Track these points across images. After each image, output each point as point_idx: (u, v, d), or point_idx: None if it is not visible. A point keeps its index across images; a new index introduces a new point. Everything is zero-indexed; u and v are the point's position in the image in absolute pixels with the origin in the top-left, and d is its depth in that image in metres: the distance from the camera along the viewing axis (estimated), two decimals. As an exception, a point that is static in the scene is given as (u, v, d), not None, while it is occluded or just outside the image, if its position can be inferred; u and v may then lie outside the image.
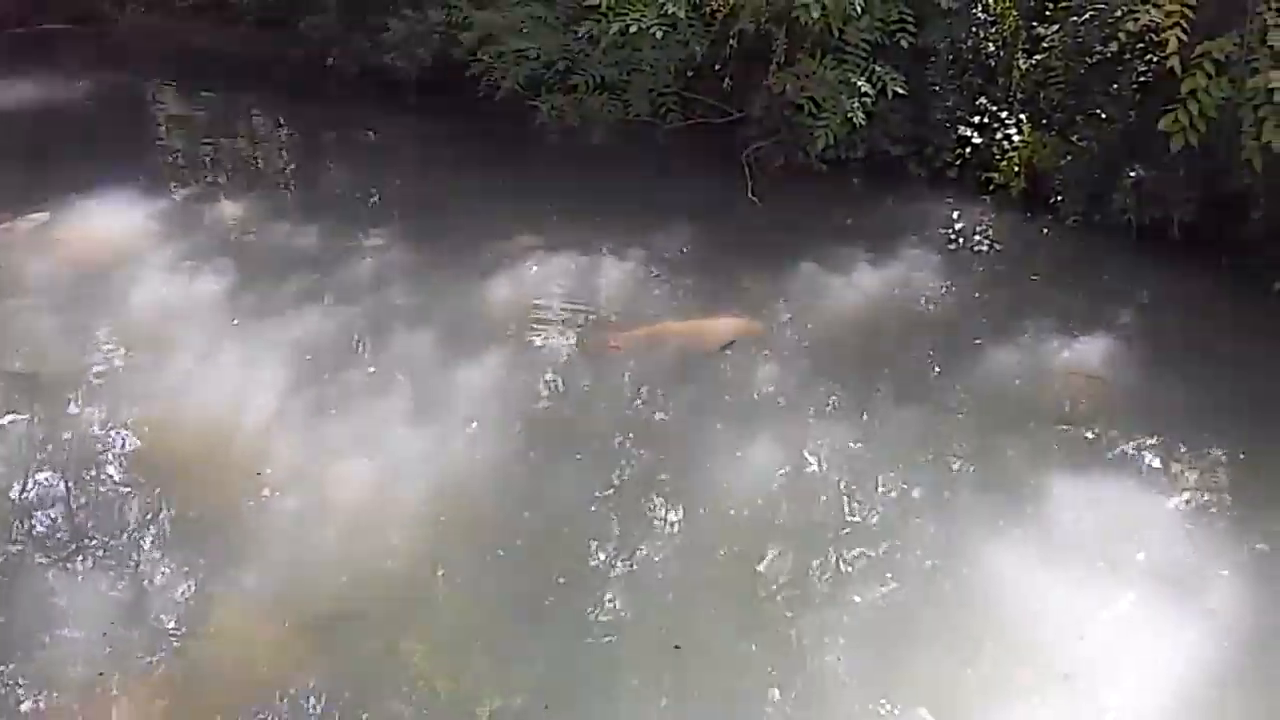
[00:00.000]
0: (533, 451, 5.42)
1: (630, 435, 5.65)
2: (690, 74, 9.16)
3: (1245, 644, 4.30)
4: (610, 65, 8.83)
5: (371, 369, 6.12)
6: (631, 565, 4.66)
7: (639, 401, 5.99)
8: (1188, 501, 5.27)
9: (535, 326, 6.77)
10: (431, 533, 4.75)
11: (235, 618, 4.28)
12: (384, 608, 4.36)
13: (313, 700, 3.93)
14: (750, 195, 8.66)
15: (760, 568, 4.67)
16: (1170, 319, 7.12)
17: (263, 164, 10.42)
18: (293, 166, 10.37)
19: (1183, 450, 5.71)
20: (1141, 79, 7.61)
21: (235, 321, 6.47)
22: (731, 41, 8.35)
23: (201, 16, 13.03)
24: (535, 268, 7.45)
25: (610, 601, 4.46)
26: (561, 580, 4.52)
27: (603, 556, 4.71)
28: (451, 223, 8.30)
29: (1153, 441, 5.75)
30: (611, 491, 5.15)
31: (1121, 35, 7.47)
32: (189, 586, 4.46)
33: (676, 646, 4.17)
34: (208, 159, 10.23)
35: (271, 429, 5.43)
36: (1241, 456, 5.63)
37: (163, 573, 4.55)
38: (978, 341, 6.70)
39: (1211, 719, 4.00)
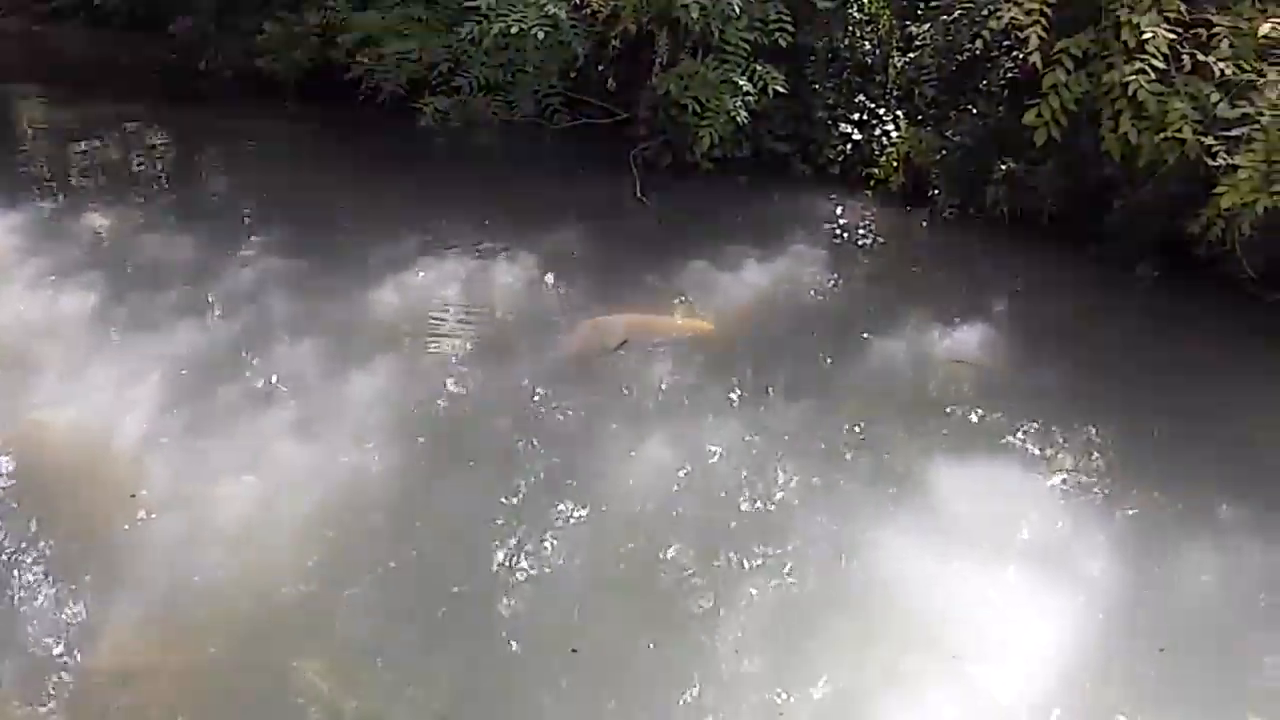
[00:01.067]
0: (425, 460, 5.32)
1: (525, 439, 5.60)
2: (575, 75, 9.15)
3: (1118, 612, 4.49)
4: (494, 66, 8.75)
5: (254, 383, 5.92)
6: (528, 571, 4.61)
7: (533, 405, 5.93)
8: (1064, 480, 5.48)
9: (425, 333, 6.65)
10: (321, 550, 4.61)
11: (113, 648, 4.08)
12: (272, 630, 4.21)
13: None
14: (639, 195, 8.70)
15: (657, 565, 4.67)
16: (1043, 305, 7.40)
17: (134, 172, 9.98)
18: (166, 174, 9.96)
19: (1058, 431, 5.92)
20: (1008, 75, 7.91)
21: (113, 337, 6.18)
22: (614, 42, 8.36)
23: (66, 20, 12.43)
24: (424, 273, 7.33)
25: (506, 609, 4.40)
26: (456, 590, 4.45)
27: (499, 564, 4.63)
28: (335, 229, 8.10)
29: (1030, 424, 5.96)
30: (507, 497, 5.09)
31: (986, 34, 7.74)
32: (62, 616, 4.23)
33: (574, 650, 4.14)
34: (74, 168, 9.76)
35: (147, 449, 5.21)
36: (1112, 434, 5.88)
37: (34, 602, 4.31)
38: (865, 335, 6.85)
39: (1090, 684, 4.14)
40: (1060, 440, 5.86)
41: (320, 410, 5.60)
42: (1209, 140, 5.72)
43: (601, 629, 4.30)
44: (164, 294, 6.85)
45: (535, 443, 5.56)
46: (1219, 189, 5.70)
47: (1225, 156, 5.61)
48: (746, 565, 4.73)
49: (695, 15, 7.53)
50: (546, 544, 4.76)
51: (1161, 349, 6.77)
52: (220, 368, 5.99)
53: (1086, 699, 4.07)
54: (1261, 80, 5.60)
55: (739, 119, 8.11)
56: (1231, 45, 5.79)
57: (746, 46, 8.20)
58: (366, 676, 4.04)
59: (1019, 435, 5.89)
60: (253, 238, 7.90)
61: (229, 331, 6.44)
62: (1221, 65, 5.76)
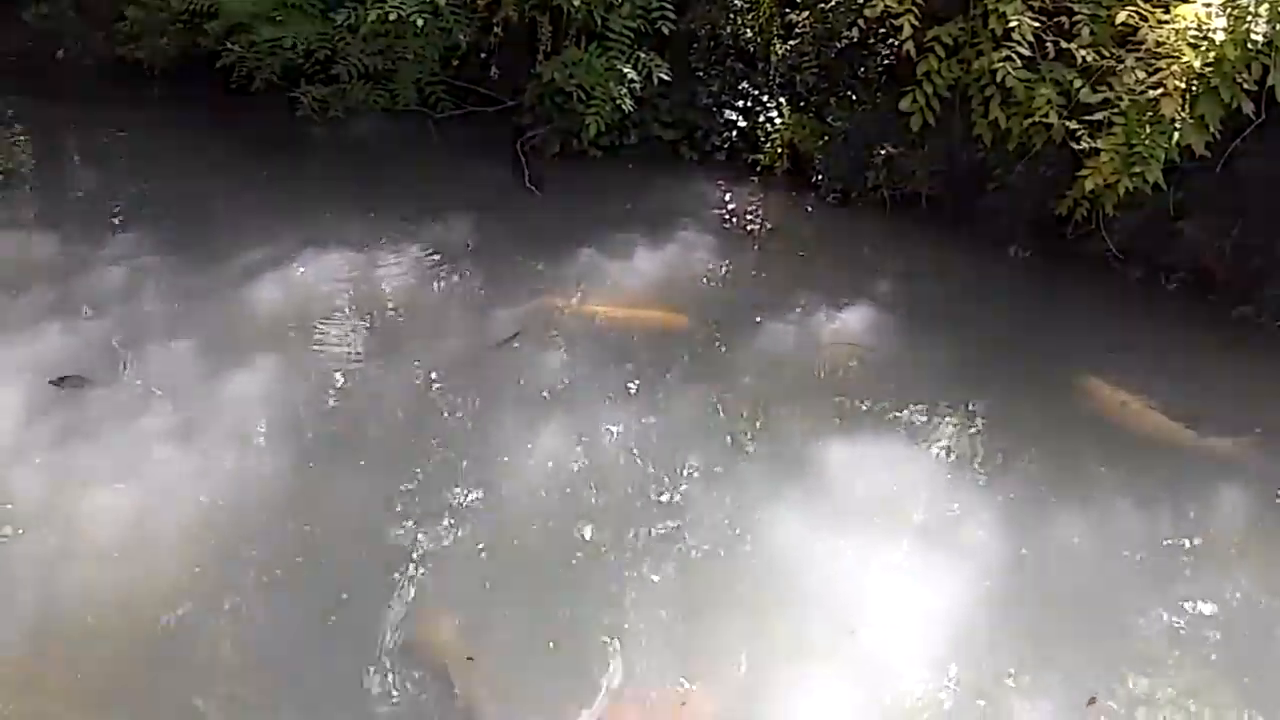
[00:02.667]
0: (312, 462, 5.17)
1: (417, 435, 5.49)
2: (458, 62, 8.99)
3: (1003, 579, 4.68)
4: (373, 54, 8.52)
5: (126, 388, 5.65)
6: (421, 571, 4.52)
7: (427, 400, 5.82)
8: (950, 456, 5.65)
9: (311, 330, 6.45)
10: (201, 560, 4.43)
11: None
12: (148, 647, 4.04)
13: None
14: (528, 184, 8.61)
15: (555, 560, 4.64)
16: (924, 286, 7.60)
17: (-13, 168, 9.40)
18: (25, 169, 9.35)
19: (943, 409, 6.09)
20: (885, 62, 8.09)
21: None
22: (496, 29, 8.24)
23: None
24: (306, 268, 7.10)
25: (399, 614, 4.31)
26: (346, 596, 4.33)
27: (390, 566, 4.53)
28: (210, 225, 7.77)
29: (916, 403, 6.12)
30: (398, 496, 4.98)
31: (862, 22, 7.90)
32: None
33: (470, 658, 4.08)
34: (-82, 165, 9.13)
35: (11, 461, 4.92)
36: (994, 410, 6.09)
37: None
38: (757, 320, 6.93)
39: (978, 649, 4.30)
40: (945, 417, 6.03)
41: (199, 413, 5.38)
42: (1073, 124, 5.97)
43: (499, 629, 4.26)
44: (27, 296, 6.47)
45: (429, 438, 5.46)
46: (1083, 171, 5.95)
47: (1088, 140, 5.86)
48: (645, 553, 4.75)
49: (577, 3, 7.48)
50: (442, 543, 4.68)
51: (1034, 326, 7.04)
52: (88, 372, 5.69)
53: (976, 663, 4.22)
54: (1120, 66, 5.87)
55: (625, 106, 8.09)
56: (1092, 33, 6.05)
57: (630, 34, 8.18)
58: (253, 690, 3.91)
59: (906, 413, 6.05)
60: (122, 235, 7.52)
61: (98, 334, 6.12)
62: (1083, 52, 6.02)
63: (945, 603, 4.49)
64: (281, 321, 6.48)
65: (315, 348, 6.28)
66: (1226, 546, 5.02)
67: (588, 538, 4.81)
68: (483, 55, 8.91)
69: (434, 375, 6.00)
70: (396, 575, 4.49)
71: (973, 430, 5.96)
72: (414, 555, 4.58)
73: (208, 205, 8.12)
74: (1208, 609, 4.66)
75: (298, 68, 8.80)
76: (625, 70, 8.08)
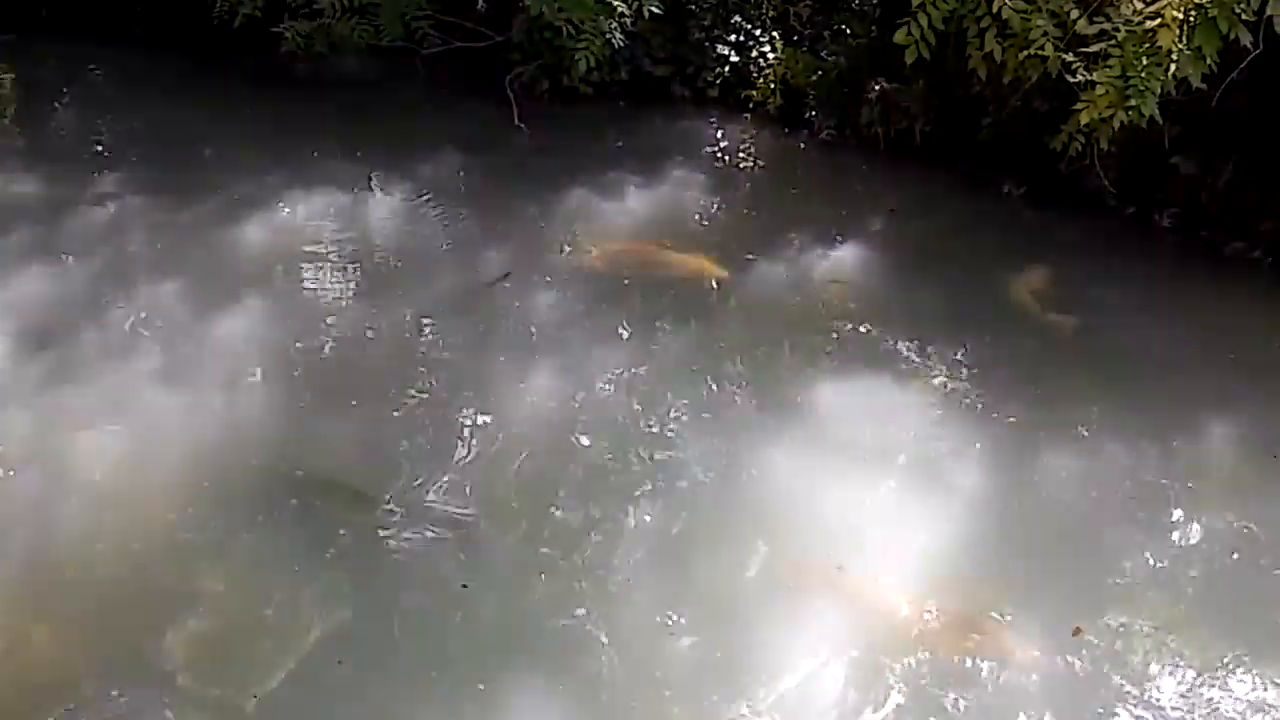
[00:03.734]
0: (303, 403, 5.16)
1: (408, 375, 5.47)
2: (441, -4, 8.83)
3: (991, 516, 4.72)
4: (357, -13, 8.35)
5: (115, 328, 5.61)
6: (416, 508, 4.53)
7: (418, 340, 5.80)
8: (939, 393, 5.67)
9: (299, 269, 6.41)
10: (194, 501, 4.44)
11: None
12: (143, 588, 4.06)
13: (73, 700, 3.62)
14: (517, 121, 8.50)
15: (548, 496, 4.66)
16: (917, 223, 7.57)
17: (-33, 107, 9.23)
18: (8, 107, 9.23)
19: (934, 346, 6.09)
20: (880, -5, 7.96)
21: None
22: (485, -39, 8.08)
23: None
24: (292, 208, 7.03)
25: (395, 549, 4.33)
26: (343, 533, 4.36)
27: (386, 502, 4.54)
28: (195, 164, 7.68)
29: (907, 340, 6.12)
30: (392, 435, 4.98)
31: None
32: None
33: (464, 586, 4.13)
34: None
35: (1, 402, 4.90)
36: (984, 347, 6.08)
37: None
38: (750, 257, 6.88)
39: (965, 584, 4.34)
40: (936, 354, 6.03)
41: (189, 354, 5.37)
42: (1069, 57, 5.89)
43: (493, 563, 4.29)
44: (11, 236, 6.41)
45: (420, 378, 5.45)
46: (1078, 105, 5.89)
47: (1084, 73, 5.79)
48: (636, 491, 4.77)
49: (566, -67, 7.32)
50: (436, 480, 4.69)
51: (1028, 263, 7.01)
52: (76, 313, 5.67)
53: (962, 598, 4.27)
54: (1118, -4, 5.79)
55: (615, 41, 7.96)
56: (1090, -38, 5.95)
57: (621, -35, 8.02)
58: (251, 630, 3.94)
59: (896, 350, 6.05)
60: (106, 174, 7.43)
61: (86, 274, 6.09)
62: (1080, -18, 5.92)
63: (932, 539, 4.53)
64: (269, 262, 6.43)
65: (303, 288, 6.24)
66: (1213, 482, 5.06)
67: (579, 475, 4.83)
68: (470, -12, 8.72)
69: (424, 315, 5.97)
70: (389, 511, 4.50)
71: (962, 367, 5.96)
72: (407, 495, 4.60)
73: (191, 145, 8.01)
74: (1194, 536, 4.72)
75: (280, 2, 8.62)
76: (615, 4, 7.92)
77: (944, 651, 4.01)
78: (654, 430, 5.18)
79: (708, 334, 6.11)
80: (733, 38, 8.99)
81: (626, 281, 6.61)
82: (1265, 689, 3.96)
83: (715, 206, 7.83)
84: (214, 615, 3.97)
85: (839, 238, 7.14)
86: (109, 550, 4.17)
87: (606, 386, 5.43)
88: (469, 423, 5.08)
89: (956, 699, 3.82)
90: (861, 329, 6.24)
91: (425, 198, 7.38)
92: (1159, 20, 5.41)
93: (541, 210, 7.34)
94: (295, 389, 5.25)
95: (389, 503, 4.54)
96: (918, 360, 5.98)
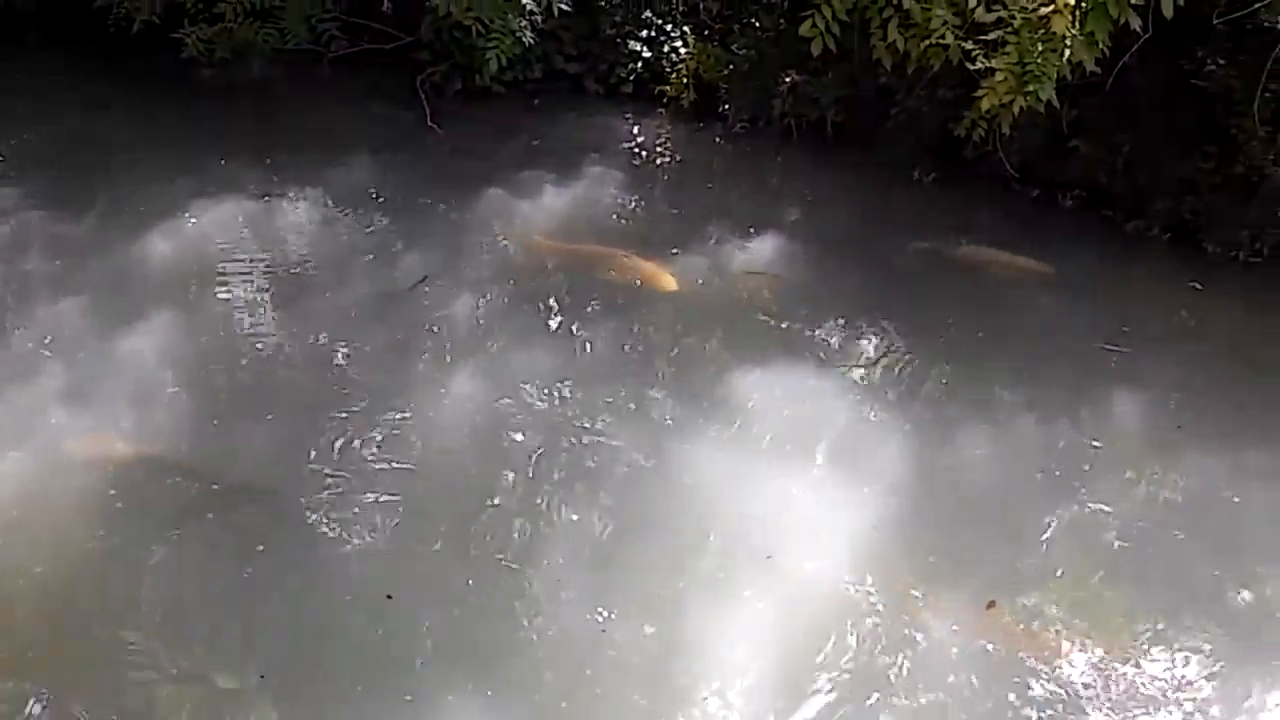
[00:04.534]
0: (217, 417, 5.04)
1: (326, 385, 5.39)
2: (345, -2, 8.69)
3: (912, 498, 4.81)
4: (259, -11, 8.16)
5: (15, 350, 5.41)
6: (338, 520, 4.45)
7: (333, 349, 5.70)
8: (860, 378, 5.77)
9: (211, 282, 6.25)
10: (101, 524, 4.31)
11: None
12: (55, 612, 3.94)
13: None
14: (430, 122, 8.41)
15: (472, 500, 4.63)
16: (831, 212, 7.68)
17: None
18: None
19: (852, 333, 6.19)
20: (786, -13, 8.02)
21: None
22: (386, -38, 7.96)
23: None
24: (199, 218, 6.85)
25: (318, 562, 4.26)
26: (261, 548, 4.27)
27: (307, 515, 4.47)
28: (96, 176, 7.43)
29: (826, 329, 6.21)
30: (310, 446, 4.88)
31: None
32: None
33: (389, 596, 4.08)
34: None
35: (-107, 432, 4.71)
36: (901, 331, 6.19)
37: None
38: (674, 251, 6.90)
39: (887, 566, 4.41)
40: (854, 341, 6.13)
41: (94, 373, 5.20)
42: (969, 45, 6.02)
43: (418, 572, 4.25)
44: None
45: (339, 387, 5.37)
46: (979, 92, 6.03)
47: (984, 60, 5.92)
48: (563, 491, 4.76)
49: (471, -69, 7.25)
50: (357, 489, 4.62)
51: (938, 248, 7.16)
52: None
53: (888, 579, 4.35)
54: (1013, -16, 5.92)
55: (525, 39, 7.92)
56: (985, -49, 6.07)
57: (528, -37, 7.97)
58: (170, 648, 3.84)
59: (817, 338, 6.15)
60: (2, 189, 7.15)
61: (-20, 295, 5.86)
62: (976, -29, 6.04)
63: (856, 524, 4.60)
64: (177, 274, 6.27)
65: (214, 299, 6.10)
66: (1122, 456, 5.22)
67: (505, 476, 4.80)
68: (375, -11, 8.59)
69: (342, 323, 5.88)
70: (311, 525, 4.42)
71: (881, 352, 6.07)
72: (328, 506, 4.52)
73: (91, 156, 7.76)
74: (1105, 510, 4.87)
75: (179, 6, 8.38)
76: (524, 1, 7.88)
77: (870, 633, 4.09)
78: (581, 427, 5.18)
79: (633, 329, 6.12)
80: (644, 33, 9.01)
81: (549, 280, 6.59)
82: (1185, 664, 4.07)
83: (634, 202, 7.85)
84: (133, 636, 3.86)
85: (757, 229, 7.21)
86: (20, 578, 4.03)
87: (529, 387, 5.41)
88: (391, 431, 5.01)
89: (881, 680, 3.89)
90: (782, 318, 6.31)
91: (339, 203, 7.26)
92: (1052, 7, 5.55)
93: (459, 211, 7.28)
94: (208, 403, 5.12)
95: (310, 514, 4.46)
96: (838, 346, 6.08)
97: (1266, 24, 6.20)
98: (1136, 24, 5.87)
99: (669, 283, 6.49)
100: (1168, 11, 5.78)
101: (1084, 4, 5.64)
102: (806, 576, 4.36)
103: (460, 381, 5.38)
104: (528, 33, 7.89)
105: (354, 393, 5.31)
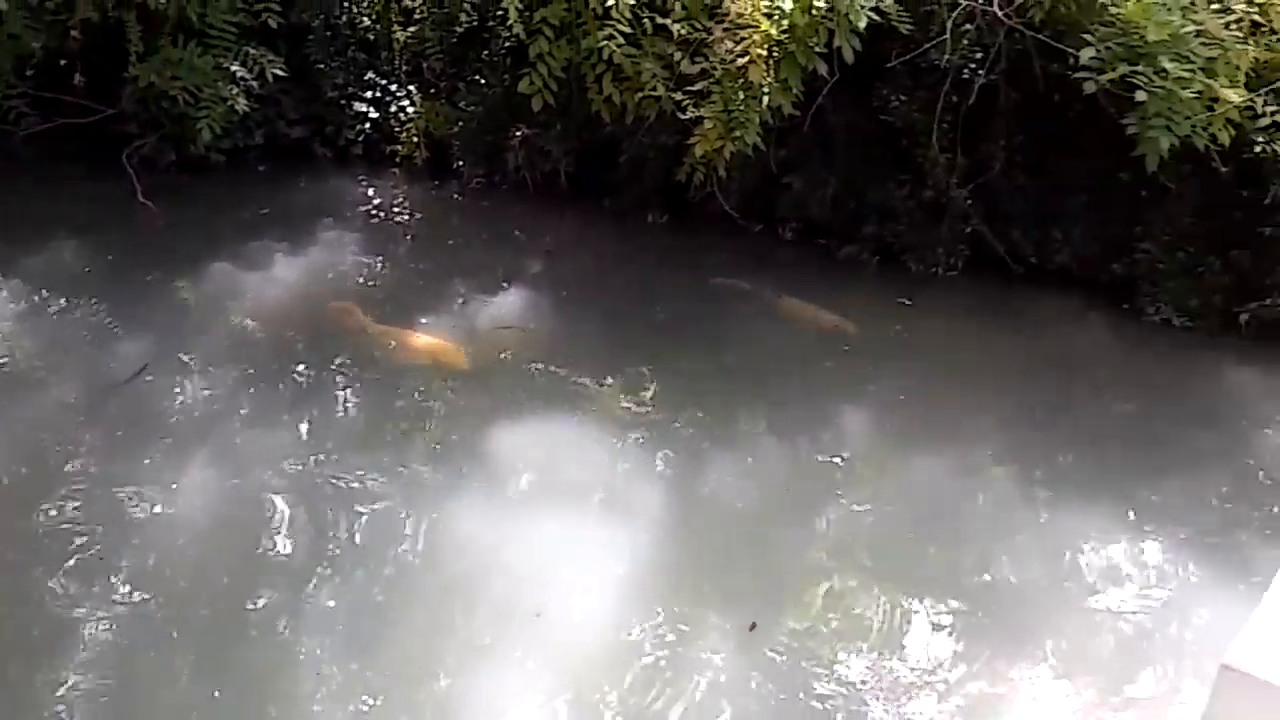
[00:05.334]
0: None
1: (37, 493, 4.87)
2: (33, 72, 8.03)
3: (672, 531, 4.98)
4: (-73, 69, 7.40)
5: None
6: (56, 643, 4.05)
7: (38, 454, 5.18)
8: (614, 422, 5.87)
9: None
10: None
11: None
12: None
13: None
14: (141, 198, 7.87)
15: (211, 604, 4.35)
16: (573, 261, 7.83)
17: None
18: None
19: (603, 376, 6.27)
20: (506, 45, 8.13)
21: None
22: (74, 34, 7.42)
23: None
24: None
25: (39, 684, 3.85)
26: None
27: (20, 645, 4.03)
28: None
29: (577, 376, 6.28)
30: (12, 569, 4.42)
31: (469, 6, 7.86)
32: None
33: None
34: None
35: None
36: (652, 370, 6.31)
37: None
38: (424, 320, 6.76)
39: (657, 602, 4.52)
40: (605, 384, 6.21)
41: None
42: (678, 95, 6.36)
43: (159, 690, 3.93)
44: None
45: (52, 494, 4.88)
46: (692, 139, 6.37)
47: (693, 109, 6.28)
48: (315, 573, 4.57)
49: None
50: (77, 610, 4.22)
51: (678, 286, 7.45)
52: None
53: (654, 616, 4.44)
54: (711, 37, 6.33)
55: (239, 107, 7.61)
56: (684, 7, 6.46)
57: (234, 29, 7.67)
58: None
59: (569, 387, 6.19)
60: None
61: None
62: (677, 26, 6.42)
63: (620, 565, 4.69)
64: None
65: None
66: (856, 468, 5.61)
67: (249, 567, 4.54)
68: (64, 63, 7.98)
69: (49, 426, 5.37)
70: (32, 652, 4.00)
71: (632, 393, 6.19)
72: (45, 628, 4.10)
73: None
74: (849, 521, 5.21)
75: None
76: (234, 68, 7.59)
77: (641, 674, 4.16)
78: (324, 509, 4.95)
79: (380, 394, 5.97)
80: (369, 94, 8.86)
81: (288, 355, 6.32)
82: (936, 656, 4.40)
83: (375, 265, 7.68)
84: None
85: (502, 283, 7.24)
86: None
87: (268, 470, 5.13)
88: (111, 536, 4.61)
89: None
90: (533, 369, 6.34)
91: (43, 290, 6.66)
92: (748, 58, 5.98)
93: (181, 291, 6.84)
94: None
95: (26, 644, 4.02)
96: (594, 393, 6.14)
97: (937, 63, 6.92)
98: (823, 69, 6.41)
99: (459, 360, 6.35)
100: (848, 57, 6.34)
101: (775, 53, 6.10)
102: (577, 628, 4.38)
103: (192, 473, 5.05)
104: (241, 99, 7.59)
105: (69, 501, 4.82)
